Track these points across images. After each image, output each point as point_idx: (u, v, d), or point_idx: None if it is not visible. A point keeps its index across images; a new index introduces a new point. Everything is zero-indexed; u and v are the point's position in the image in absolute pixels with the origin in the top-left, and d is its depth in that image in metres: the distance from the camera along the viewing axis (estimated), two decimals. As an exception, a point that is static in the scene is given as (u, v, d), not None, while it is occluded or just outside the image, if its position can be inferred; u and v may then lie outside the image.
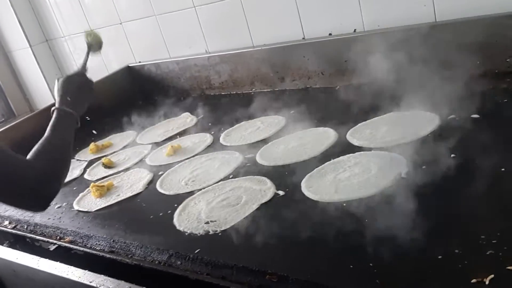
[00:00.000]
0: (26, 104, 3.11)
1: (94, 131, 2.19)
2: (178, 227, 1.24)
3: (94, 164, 1.83)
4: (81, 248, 1.30)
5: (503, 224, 0.90)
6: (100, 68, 2.75)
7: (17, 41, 2.92)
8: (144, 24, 2.42)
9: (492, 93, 1.42)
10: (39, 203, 1.17)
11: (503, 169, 1.06)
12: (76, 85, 1.42)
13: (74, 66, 2.96)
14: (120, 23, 2.52)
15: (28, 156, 1.16)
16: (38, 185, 1.11)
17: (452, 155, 1.17)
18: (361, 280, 0.89)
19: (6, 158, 1.09)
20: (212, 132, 1.80)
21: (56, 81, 1.42)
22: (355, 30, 1.81)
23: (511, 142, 1.15)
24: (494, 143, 1.16)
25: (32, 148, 1.19)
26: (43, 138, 1.23)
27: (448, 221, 0.96)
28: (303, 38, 1.95)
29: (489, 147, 1.15)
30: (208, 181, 1.43)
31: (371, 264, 0.90)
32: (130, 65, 2.56)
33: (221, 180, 1.41)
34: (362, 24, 1.78)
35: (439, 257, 0.87)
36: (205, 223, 1.21)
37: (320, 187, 1.21)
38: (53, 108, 1.33)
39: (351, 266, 0.92)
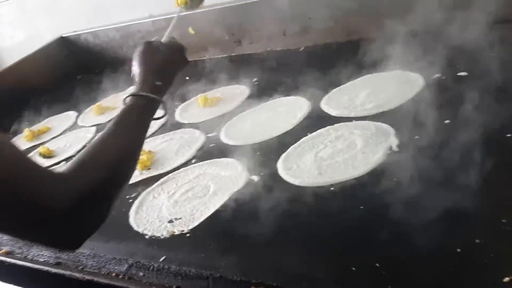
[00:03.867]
0: None
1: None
2: (136, 229, 1.04)
3: (30, 154, 1.58)
4: (21, 262, 1.08)
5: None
6: (29, 41, 2.44)
7: None
8: (76, -13, 2.12)
9: (478, 46, 1.28)
10: (68, 239, 0.72)
11: (508, 135, 0.92)
12: (165, 58, 1.01)
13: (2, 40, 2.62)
14: (49, -12, 2.21)
15: (64, 167, 0.75)
16: (72, 211, 0.67)
17: (446, 121, 1.03)
18: (369, 286, 0.73)
19: (15, 163, 0.65)
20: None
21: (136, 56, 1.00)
22: (318, -18, 1.61)
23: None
24: (491, 104, 1.03)
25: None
26: (96, 138, 0.84)
27: (458, 203, 0.81)
28: (260, -5, 1.73)
29: (486, 109, 1.01)
30: (166, 167, 1.23)
31: (377, 265, 0.75)
32: (64, 35, 2.26)
33: (182, 165, 1.21)
34: (327, -25, 1.59)
35: (458, 250, 0.73)
36: (168, 222, 1.02)
37: (300, 168, 1.04)
38: (127, 96, 0.91)
39: (353, 269, 0.76)
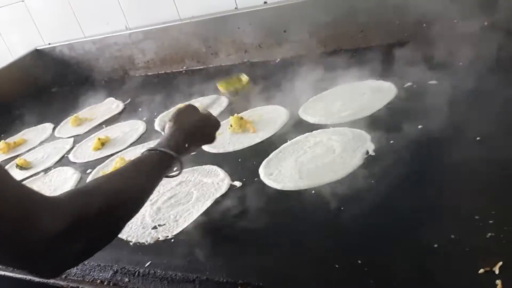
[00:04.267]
0: None
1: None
2: (120, 236, 1.05)
3: (7, 166, 1.56)
4: (2, 272, 1.07)
5: (496, 201, 0.81)
6: (3, 54, 2.41)
7: None
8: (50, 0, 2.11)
9: (447, 56, 1.34)
10: (53, 264, 0.68)
11: (478, 138, 0.98)
12: (200, 126, 1.01)
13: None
14: (23, 0, 2.19)
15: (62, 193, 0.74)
16: (62, 235, 0.64)
17: (419, 126, 1.07)
18: (352, 282, 0.76)
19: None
20: (144, 119, 1.60)
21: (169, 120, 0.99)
22: (292, -4, 1.66)
23: (482, 108, 1.07)
24: (461, 110, 1.08)
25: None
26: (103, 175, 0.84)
27: (433, 201, 0.86)
28: (236, 8, 1.77)
29: (457, 114, 1.07)
30: (148, 176, 1.24)
31: (359, 262, 0.78)
32: (38, 48, 2.25)
33: (164, 173, 1.22)
34: (299, -11, 1.64)
35: (435, 245, 0.76)
36: (152, 229, 1.03)
37: (282, 173, 1.07)
38: (144, 151, 0.91)
39: (337, 266, 0.79)
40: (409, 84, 1.27)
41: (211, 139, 1.06)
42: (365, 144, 1.07)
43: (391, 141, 1.06)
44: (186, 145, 0.96)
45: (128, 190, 0.81)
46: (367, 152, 1.05)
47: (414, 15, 1.43)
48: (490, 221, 0.77)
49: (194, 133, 0.99)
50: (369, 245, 0.81)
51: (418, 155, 0.98)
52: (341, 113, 1.23)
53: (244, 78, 1.46)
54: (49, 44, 2.24)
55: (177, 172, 0.95)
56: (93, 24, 2.09)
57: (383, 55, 1.42)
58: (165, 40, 1.92)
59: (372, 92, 1.28)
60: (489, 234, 0.75)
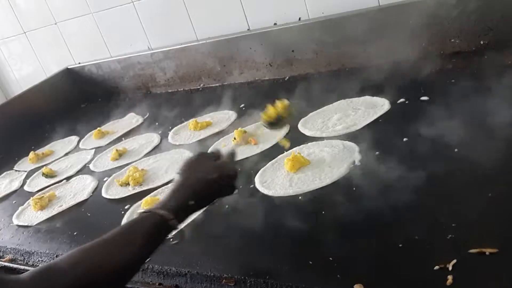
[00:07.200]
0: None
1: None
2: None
3: (34, 175, 1.71)
4: (22, 267, 1.20)
5: (459, 206, 0.88)
6: (37, 72, 2.61)
7: None
8: (80, 23, 2.29)
9: (439, 74, 1.41)
10: None
11: (456, 150, 1.04)
12: (211, 178, 0.90)
13: (10, 73, 2.80)
14: (55, 23, 2.38)
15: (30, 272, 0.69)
16: None
17: (405, 139, 1.15)
18: (321, 276, 0.84)
19: None
20: (160, 132, 1.72)
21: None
22: (299, 18, 1.77)
23: (463, 123, 1.13)
24: (445, 125, 1.15)
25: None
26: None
27: (404, 207, 0.93)
28: (248, 29, 1.89)
29: (441, 129, 1.14)
30: (156, 183, 1.35)
31: (330, 258, 0.86)
32: (69, 67, 2.43)
33: (170, 181, 1.33)
34: (306, 12, 1.74)
35: (400, 245, 0.84)
36: (155, 229, 1.13)
37: (274, 181, 1.16)
38: (140, 211, 0.85)
39: (310, 262, 0.87)
40: (402, 100, 1.34)
41: (230, 190, 0.96)
42: (353, 155, 1.15)
43: (377, 152, 1.13)
44: (192, 203, 0.86)
45: (108, 265, 0.71)
46: (354, 162, 1.13)
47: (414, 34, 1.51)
48: (453, 224, 0.84)
49: (203, 188, 0.89)
50: (341, 245, 0.89)
51: (398, 164, 1.05)
52: (335, 127, 1.32)
53: (286, 103, 1.27)
54: (79, 63, 2.41)
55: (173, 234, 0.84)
56: (118, 45, 2.25)
57: (381, 72, 1.50)
58: (183, 59, 2.05)
59: (367, 107, 1.35)
60: (450, 235, 0.82)
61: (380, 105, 1.35)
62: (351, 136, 1.25)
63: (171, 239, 1.08)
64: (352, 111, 1.37)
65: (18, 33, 2.59)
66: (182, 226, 0.99)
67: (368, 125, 1.28)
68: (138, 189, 1.35)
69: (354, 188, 1.04)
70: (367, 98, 1.41)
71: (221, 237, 1.03)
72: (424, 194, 0.95)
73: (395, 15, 1.55)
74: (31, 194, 1.57)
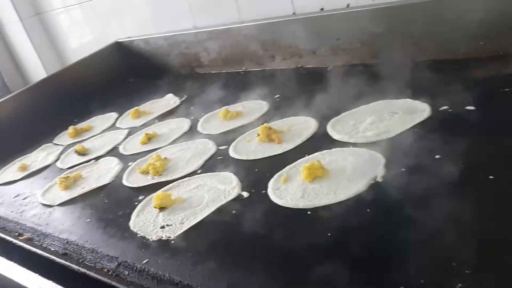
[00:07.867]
0: (20, 79, 3.03)
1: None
2: (132, 228, 1.14)
3: (69, 150, 1.74)
4: (34, 249, 1.21)
5: (483, 250, 0.76)
6: (89, 44, 2.64)
7: (7, 15, 2.82)
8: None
9: (494, 80, 1.25)
10: None
11: (491, 177, 0.91)
12: None
13: (69, 40, 2.86)
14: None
15: None
16: None
17: (437, 156, 1.02)
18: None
19: None
20: (192, 117, 1.68)
21: None
22: (348, 5, 1.64)
23: (505, 144, 0.99)
24: (486, 143, 1.01)
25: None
26: None
27: (416, 241, 0.82)
28: (294, 14, 1.78)
29: (480, 148, 1.00)
30: (175, 175, 1.31)
31: (324, 291, 0.78)
32: (119, 40, 2.44)
33: (188, 175, 1.29)
34: (355, -2, 1.61)
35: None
36: (160, 228, 1.10)
37: (288, 189, 1.08)
38: None
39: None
40: (445, 107, 1.20)
41: None
42: (377, 168, 1.05)
43: (403, 169, 1.02)
44: None
45: None
46: (375, 178, 1.02)
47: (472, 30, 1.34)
48: (467, 271, 0.73)
49: None
50: (341, 274, 0.81)
51: (423, 187, 0.94)
52: (366, 132, 1.21)
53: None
54: (129, 37, 2.41)
55: None
56: (165, 22, 2.22)
57: (429, 73, 1.36)
58: (226, 41, 1.98)
59: (405, 112, 1.23)
60: (459, 284, 0.71)
61: (420, 111, 1.22)
62: (381, 145, 1.13)
63: (173, 241, 1.04)
64: (388, 115, 1.25)
65: (79, 2, 2.62)
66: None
67: (401, 133, 1.16)
68: (157, 179, 1.32)
69: (368, 210, 0.94)
70: (408, 101, 1.28)
71: (220, 246, 0.97)
72: (443, 228, 0.83)
73: (451, 8, 1.39)
74: (62, 171, 1.59)
